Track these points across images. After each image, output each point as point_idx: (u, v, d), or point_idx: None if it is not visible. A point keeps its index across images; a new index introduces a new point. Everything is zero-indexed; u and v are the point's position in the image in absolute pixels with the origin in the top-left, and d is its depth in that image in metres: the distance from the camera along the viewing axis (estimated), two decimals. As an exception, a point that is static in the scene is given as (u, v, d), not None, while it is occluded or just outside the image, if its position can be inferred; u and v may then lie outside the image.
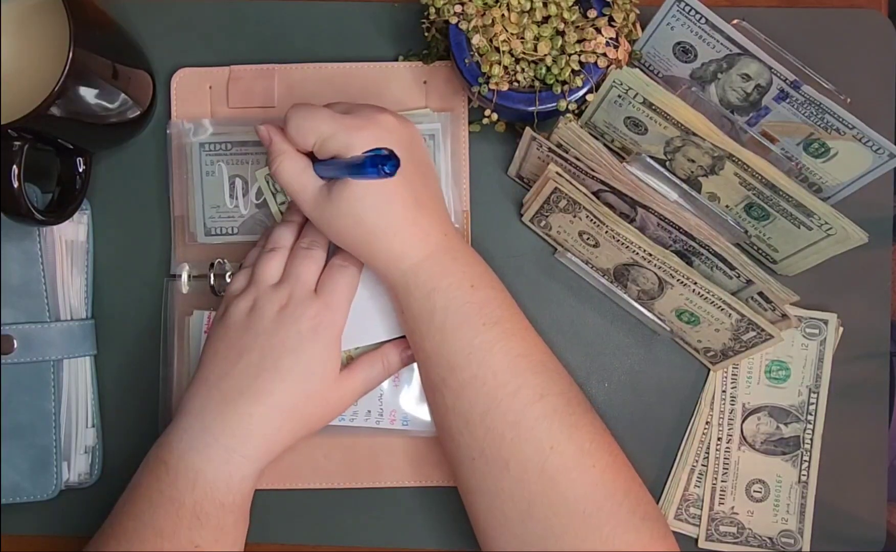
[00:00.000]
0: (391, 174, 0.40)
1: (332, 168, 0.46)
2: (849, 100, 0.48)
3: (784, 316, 0.49)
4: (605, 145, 0.50)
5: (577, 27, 0.49)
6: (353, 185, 0.45)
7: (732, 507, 0.54)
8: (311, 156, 0.47)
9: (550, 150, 0.50)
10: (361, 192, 0.45)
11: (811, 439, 0.54)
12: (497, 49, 0.49)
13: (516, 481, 0.44)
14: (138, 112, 0.54)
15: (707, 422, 0.55)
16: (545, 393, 0.45)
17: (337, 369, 0.48)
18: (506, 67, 0.49)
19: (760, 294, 0.49)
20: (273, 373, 0.46)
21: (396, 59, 0.56)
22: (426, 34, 0.54)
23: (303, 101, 0.48)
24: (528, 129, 0.50)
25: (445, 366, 0.46)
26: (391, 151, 0.40)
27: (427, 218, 0.47)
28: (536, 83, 0.50)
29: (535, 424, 0.44)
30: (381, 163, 0.40)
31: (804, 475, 0.54)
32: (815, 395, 0.54)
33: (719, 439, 0.55)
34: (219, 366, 0.47)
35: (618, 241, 0.49)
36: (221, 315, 0.49)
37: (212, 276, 0.54)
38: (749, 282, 0.48)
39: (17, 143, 0.47)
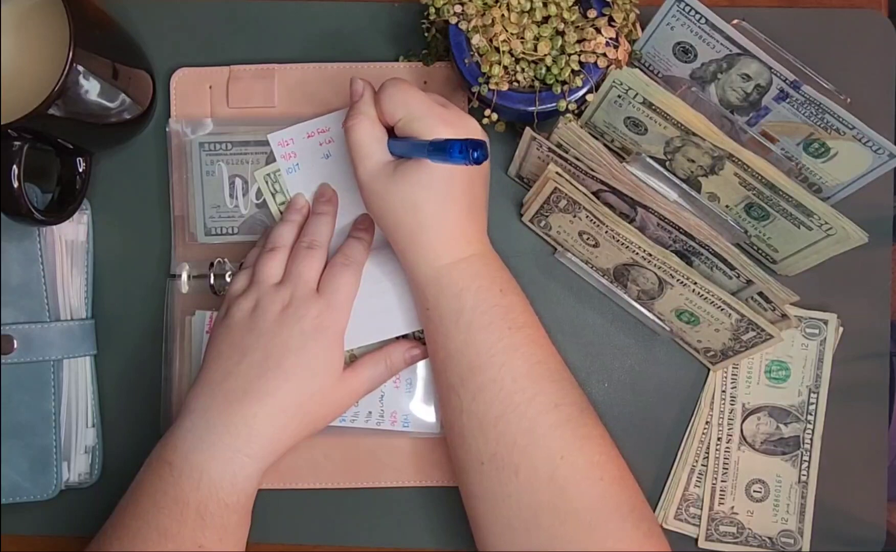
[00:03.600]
0: (478, 162, 0.40)
1: (411, 145, 0.46)
2: (849, 100, 0.48)
3: (784, 316, 0.49)
4: (605, 145, 0.50)
5: (577, 27, 0.49)
6: (421, 171, 0.45)
7: (732, 507, 0.54)
8: (389, 133, 0.48)
9: (550, 150, 0.50)
10: (427, 179, 0.45)
11: (811, 439, 0.54)
12: (497, 49, 0.49)
13: (524, 488, 0.44)
14: (138, 112, 0.54)
15: (707, 422, 0.55)
16: (560, 402, 0.45)
17: (340, 368, 0.48)
18: (506, 67, 0.49)
19: (760, 294, 0.49)
20: (276, 373, 0.46)
21: (396, 59, 0.56)
22: (426, 34, 0.54)
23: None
24: (528, 129, 0.50)
25: (466, 366, 0.46)
26: (483, 141, 0.40)
27: (473, 225, 0.48)
28: (536, 83, 0.50)
29: (548, 432, 0.44)
30: (472, 148, 0.40)
31: (804, 475, 0.54)
32: (815, 395, 0.54)
33: (719, 439, 0.55)
34: (222, 365, 0.47)
35: (618, 241, 0.49)
36: (223, 315, 0.49)
37: (212, 275, 0.54)
38: (749, 282, 0.48)
39: (17, 143, 0.47)
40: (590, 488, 0.44)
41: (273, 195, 0.55)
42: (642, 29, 0.50)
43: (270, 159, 0.55)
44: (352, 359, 0.51)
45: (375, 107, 0.47)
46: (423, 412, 0.54)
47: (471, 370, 0.46)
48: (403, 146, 0.46)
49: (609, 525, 0.44)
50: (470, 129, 0.47)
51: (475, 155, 0.40)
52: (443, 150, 0.41)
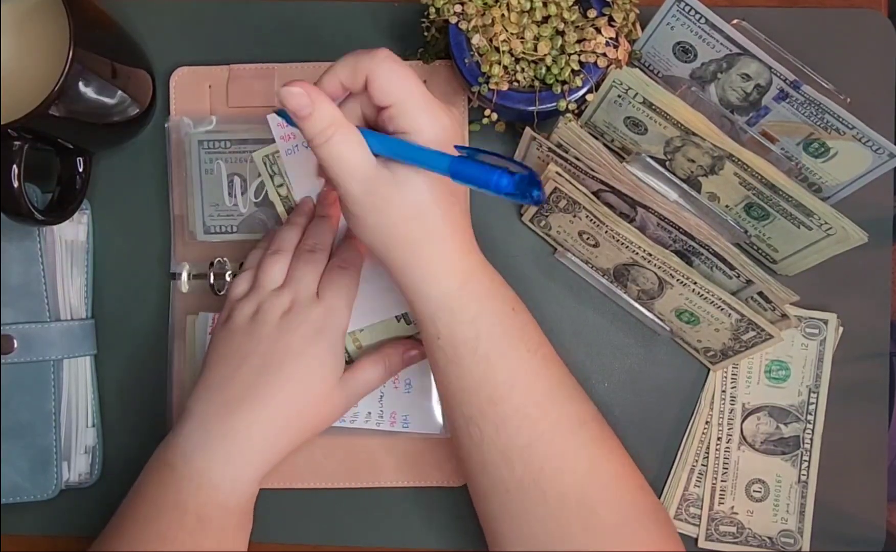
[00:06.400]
0: (537, 202, 0.34)
1: (417, 154, 0.39)
2: (849, 100, 0.48)
3: (784, 316, 0.49)
4: (605, 145, 0.50)
5: (577, 27, 0.49)
6: (423, 172, 0.40)
7: (732, 507, 0.54)
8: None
9: (550, 150, 0.50)
10: (430, 182, 0.40)
11: (811, 439, 0.54)
12: (497, 49, 0.49)
13: (553, 509, 0.43)
14: (138, 111, 0.54)
15: (707, 422, 0.55)
16: (583, 419, 0.45)
17: (340, 372, 0.48)
18: (506, 67, 0.49)
19: (760, 294, 0.49)
20: (277, 377, 0.46)
21: (396, 59, 0.56)
22: (426, 34, 0.54)
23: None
24: (528, 129, 0.50)
25: (486, 398, 0.43)
26: (539, 179, 0.35)
27: (471, 232, 0.45)
28: (536, 83, 0.50)
29: (575, 454, 0.44)
30: (531, 184, 0.34)
31: (804, 475, 0.54)
32: (815, 395, 0.54)
33: (719, 439, 0.55)
34: (222, 370, 0.47)
35: (618, 240, 0.49)
36: (224, 319, 0.49)
37: (211, 275, 0.54)
38: (749, 282, 0.48)
39: (17, 143, 0.47)
40: (617, 501, 0.44)
41: (271, 177, 0.54)
42: (642, 29, 0.50)
43: (270, 159, 0.55)
44: (355, 343, 0.51)
45: (365, 85, 0.40)
46: (423, 412, 0.54)
47: (491, 402, 0.43)
48: (401, 150, 0.40)
49: (637, 532, 0.43)
50: (451, 115, 0.41)
51: (535, 194, 0.34)
52: (485, 178, 0.35)
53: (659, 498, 0.55)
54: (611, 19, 0.48)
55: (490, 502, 0.45)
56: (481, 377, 0.43)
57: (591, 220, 0.49)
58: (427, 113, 0.40)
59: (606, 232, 0.49)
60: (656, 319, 0.54)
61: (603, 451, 0.45)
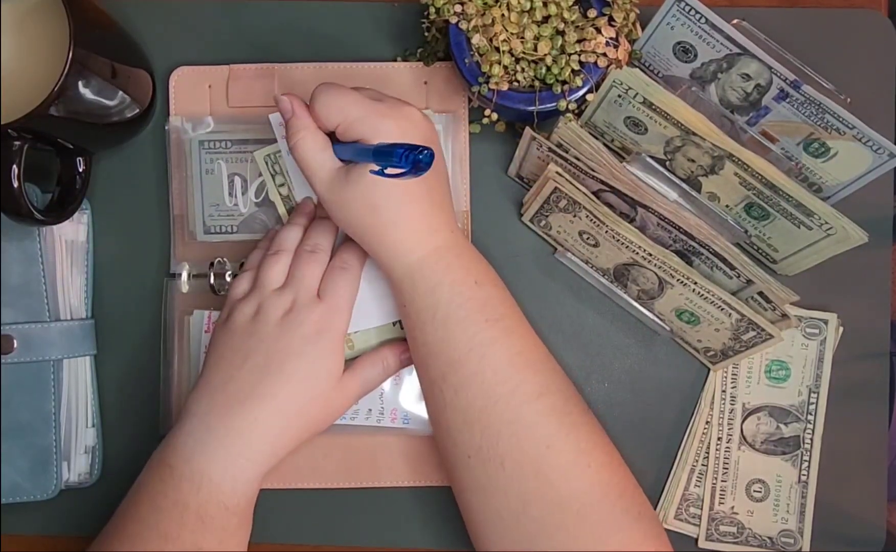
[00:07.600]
0: (422, 166, 0.39)
1: (357, 151, 0.45)
2: (849, 100, 0.48)
3: (784, 316, 0.49)
4: (605, 145, 0.50)
5: (577, 27, 0.49)
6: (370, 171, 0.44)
7: (732, 507, 0.54)
8: (330, 137, 0.48)
9: (550, 150, 0.50)
10: (379, 178, 0.44)
11: (811, 439, 0.54)
12: (497, 49, 0.49)
13: (512, 479, 0.44)
14: (137, 111, 0.54)
15: (707, 422, 0.55)
16: (543, 391, 0.46)
17: (340, 371, 0.48)
18: (506, 67, 0.49)
19: (760, 294, 0.49)
20: (278, 377, 0.46)
21: (396, 60, 0.56)
22: (426, 34, 0.54)
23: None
24: (528, 129, 0.50)
25: (446, 361, 0.46)
26: (429, 149, 0.40)
27: (437, 214, 0.47)
28: (536, 83, 0.50)
29: (533, 422, 0.45)
30: (414, 151, 0.39)
31: (804, 475, 0.54)
32: (815, 395, 0.54)
33: (719, 439, 0.55)
34: (223, 369, 0.47)
35: (618, 240, 0.49)
36: (225, 319, 0.49)
37: (212, 275, 0.54)
38: (749, 281, 0.48)
39: (17, 142, 0.47)
40: (578, 476, 0.44)
41: (273, 176, 0.54)
42: (642, 28, 0.50)
43: (270, 158, 0.55)
44: (348, 344, 0.51)
45: (311, 115, 0.47)
46: (422, 409, 0.54)
47: (451, 365, 0.46)
48: (350, 152, 0.46)
49: (599, 511, 0.44)
50: (408, 118, 0.46)
51: (420, 158, 0.39)
52: (388, 155, 0.41)
53: (659, 498, 0.55)
54: (611, 19, 0.48)
55: (456, 470, 0.47)
56: (441, 341, 0.46)
57: (591, 219, 0.49)
58: (367, 122, 0.45)
59: (606, 232, 0.49)
60: (656, 319, 0.54)
61: (563, 424, 0.45)
